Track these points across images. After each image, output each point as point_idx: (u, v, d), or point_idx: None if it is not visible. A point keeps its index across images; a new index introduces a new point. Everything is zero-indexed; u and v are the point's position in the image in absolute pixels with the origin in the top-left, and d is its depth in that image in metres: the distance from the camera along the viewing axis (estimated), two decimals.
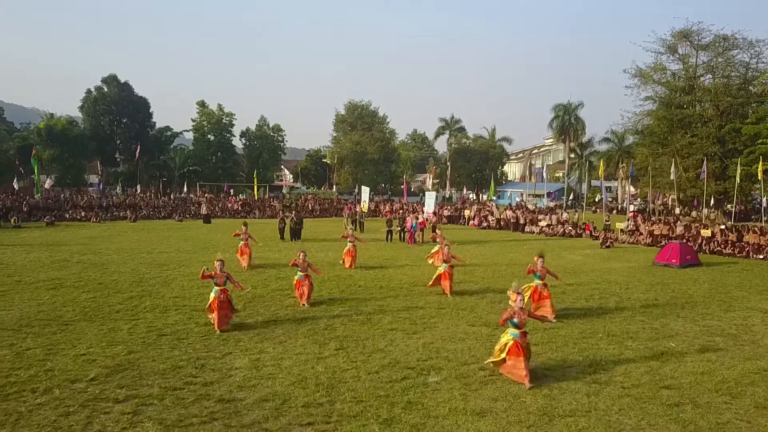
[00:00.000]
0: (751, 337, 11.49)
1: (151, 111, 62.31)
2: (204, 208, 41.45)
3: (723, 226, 27.14)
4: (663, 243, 26.07)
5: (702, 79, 53.46)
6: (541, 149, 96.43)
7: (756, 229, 25.87)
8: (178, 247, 24.41)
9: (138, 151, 51.93)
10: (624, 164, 62.08)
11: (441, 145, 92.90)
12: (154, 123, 64.10)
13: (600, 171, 50.64)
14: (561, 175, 78.14)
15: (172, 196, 51.24)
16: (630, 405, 7.73)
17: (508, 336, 8.60)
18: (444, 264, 15.16)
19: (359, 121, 73.84)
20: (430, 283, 15.43)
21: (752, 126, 45.03)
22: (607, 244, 27.08)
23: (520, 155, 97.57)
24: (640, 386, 8.46)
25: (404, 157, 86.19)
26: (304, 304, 13.32)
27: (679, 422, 7.22)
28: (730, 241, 25.91)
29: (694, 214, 47.22)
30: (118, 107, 59.12)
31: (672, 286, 17.22)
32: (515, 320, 8.58)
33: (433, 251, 20.29)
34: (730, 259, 24.37)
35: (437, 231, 21.64)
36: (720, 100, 50.17)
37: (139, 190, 51.95)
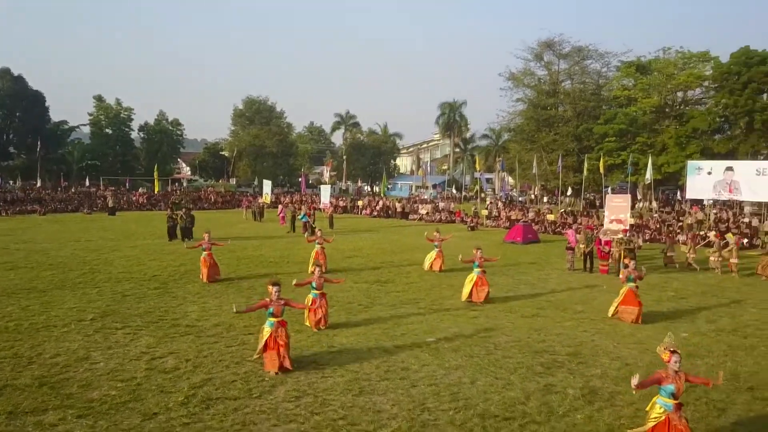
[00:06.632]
0: (543, 284, 17.06)
1: (47, 105, 62.27)
2: (110, 201, 43.44)
3: (562, 211, 33.63)
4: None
5: (563, 84, 61.51)
6: (430, 143, 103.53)
7: (586, 212, 32.48)
8: (101, 236, 27.30)
9: (39, 145, 52.50)
10: (500, 158, 69.55)
11: (337, 138, 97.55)
12: (49, 118, 63.91)
13: (477, 164, 57.30)
14: (447, 168, 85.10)
15: (74, 190, 52.29)
16: (447, 319, 12.66)
17: (658, 408, 6.60)
18: (477, 269, 14.35)
19: (257, 115, 76.97)
20: (465, 297, 14.35)
21: (601, 126, 52.99)
22: (472, 226, 32.82)
23: (411, 149, 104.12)
24: (458, 310, 13.45)
25: (302, 150, 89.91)
26: (323, 328, 11.58)
27: (472, 325, 12.22)
28: (567, 224, 32.34)
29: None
30: (12, 101, 58.76)
31: (509, 256, 22.78)
32: (671, 387, 6.53)
33: (431, 255, 19.07)
34: (564, 237, 30.65)
35: (436, 233, 19.40)
36: (577, 103, 58.22)
37: (39, 184, 52.55)
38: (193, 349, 10.24)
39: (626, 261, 14.02)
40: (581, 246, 20.01)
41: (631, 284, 12.82)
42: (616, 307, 12.93)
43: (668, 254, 21.04)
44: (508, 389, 8.63)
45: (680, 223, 31.16)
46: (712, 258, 20.01)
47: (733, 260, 19.53)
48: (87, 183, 58.07)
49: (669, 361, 6.62)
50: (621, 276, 13.59)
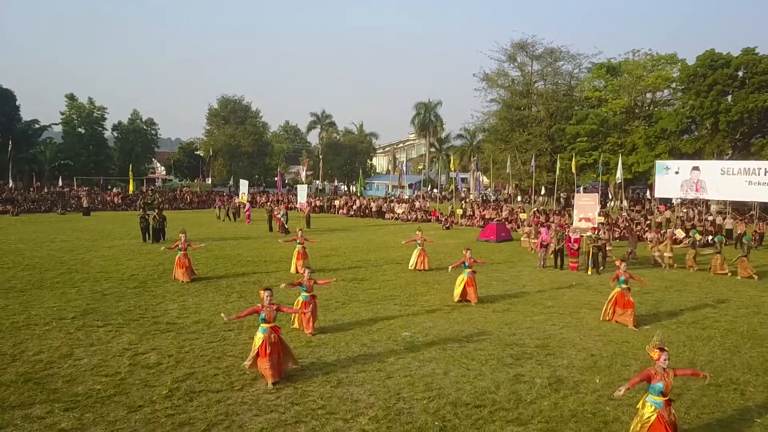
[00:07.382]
0: (515, 281, 17.61)
1: (17, 104, 61.26)
2: (85, 201, 43.07)
3: (535, 209, 34.35)
4: None
5: (536, 84, 62.33)
6: (406, 143, 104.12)
7: (556, 210, 33.23)
8: (77, 237, 27.20)
9: (10, 144, 51.69)
10: (475, 158, 70.34)
11: (313, 138, 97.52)
12: (20, 117, 62.85)
13: (452, 164, 57.88)
14: (423, 167, 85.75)
15: (46, 190, 51.65)
16: (422, 314, 13.08)
17: (649, 407, 6.67)
18: (467, 270, 14.60)
19: (232, 115, 76.66)
20: (456, 297, 14.48)
21: (573, 126, 53.96)
22: (447, 225, 33.35)
23: (387, 149, 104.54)
24: (432, 305, 13.89)
25: (278, 149, 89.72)
26: (312, 333, 11.37)
27: (446, 319, 12.67)
28: (540, 222, 33.05)
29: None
30: None
31: (483, 254, 23.19)
32: (660, 385, 6.61)
33: (416, 254, 19.47)
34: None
35: (418, 231, 20.10)
36: (549, 103, 59.08)
37: (11, 184, 51.76)
38: (175, 345, 10.51)
39: (617, 262, 13.95)
40: (554, 241, 20.67)
41: (623, 286, 12.77)
42: (612, 311, 12.82)
43: (630, 250, 22.16)
44: (479, 379, 9.07)
45: (648, 222, 32.08)
46: (654, 253, 21.04)
47: (667, 254, 20.52)
48: (60, 183, 57.39)
49: (658, 360, 6.68)
50: (612, 276, 13.46)
